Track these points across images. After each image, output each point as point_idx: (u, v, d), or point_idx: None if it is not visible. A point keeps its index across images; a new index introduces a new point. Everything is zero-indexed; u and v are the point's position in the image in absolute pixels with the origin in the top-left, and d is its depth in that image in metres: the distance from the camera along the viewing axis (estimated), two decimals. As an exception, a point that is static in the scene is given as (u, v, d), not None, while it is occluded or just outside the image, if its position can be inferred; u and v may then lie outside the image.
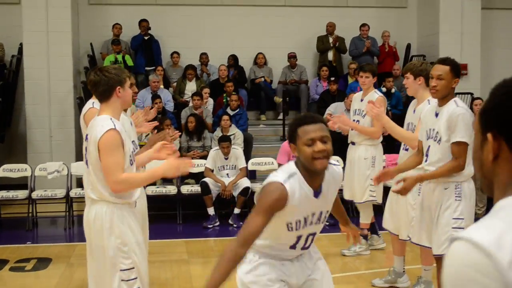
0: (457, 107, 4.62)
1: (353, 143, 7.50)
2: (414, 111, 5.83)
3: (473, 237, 1.32)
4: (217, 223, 9.43)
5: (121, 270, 3.89)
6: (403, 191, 4.78)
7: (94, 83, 3.99)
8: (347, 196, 7.61)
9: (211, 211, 9.43)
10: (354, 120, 7.43)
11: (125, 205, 3.96)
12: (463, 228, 4.62)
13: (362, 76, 7.38)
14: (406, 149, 5.86)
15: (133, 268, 3.92)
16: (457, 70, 4.70)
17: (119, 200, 3.92)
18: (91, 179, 3.93)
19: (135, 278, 3.93)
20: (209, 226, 9.36)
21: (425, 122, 4.86)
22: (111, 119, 3.90)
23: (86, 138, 4.02)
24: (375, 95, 7.24)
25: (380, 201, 7.49)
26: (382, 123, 6.19)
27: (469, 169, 4.66)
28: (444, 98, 4.70)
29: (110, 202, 3.90)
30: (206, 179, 9.48)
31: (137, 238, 3.99)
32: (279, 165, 9.44)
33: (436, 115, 4.71)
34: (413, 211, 5.73)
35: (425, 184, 4.90)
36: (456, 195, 4.68)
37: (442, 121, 4.65)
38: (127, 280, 3.91)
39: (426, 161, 4.82)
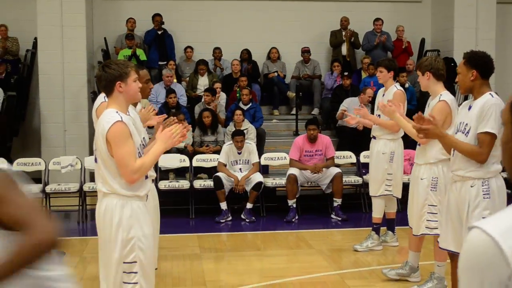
0: (492, 97, 4.56)
1: (374, 137, 7.49)
2: (428, 105, 5.82)
3: (484, 227, 1.44)
4: (230, 218, 9.44)
5: (124, 262, 3.95)
6: (424, 134, 4.65)
7: (98, 78, 4.11)
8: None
9: (223, 205, 9.44)
10: (376, 115, 7.41)
11: (136, 198, 3.99)
12: None
13: (377, 71, 7.45)
14: (419, 144, 5.83)
15: (135, 262, 3.96)
16: (473, 61, 4.62)
17: (130, 193, 3.95)
18: (101, 173, 3.98)
19: (136, 272, 3.98)
20: (222, 221, 9.37)
21: (458, 117, 4.83)
22: (117, 112, 3.94)
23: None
24: (394, 89, 7.24)
25: (398, 195, 7.46)
26: (394, 121, 6.17)
27: (496, 166, 4.59)
28: (474, 91, 4.65)
29: (121, 195, 3.94)
30: (219, 174, 9.49)
31: (145, 231, 4.00)
32: (291, 160, 9.45)
33: (469, 108, 4.66)
34: (425, 207, 5.72)
35: (452, 184, 4.81)
36: (484, 193, 4.57)
37: (474, 112, 4.57)
38: (128, 273, 3.97)
39: (453, 155, 4.77)
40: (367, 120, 7.40)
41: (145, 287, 4.03)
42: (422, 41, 13.80)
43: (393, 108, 5.98)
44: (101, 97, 5.91)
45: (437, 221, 5.54)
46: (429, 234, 5.81)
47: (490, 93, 4.60)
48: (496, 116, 4.48)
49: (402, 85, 11.98)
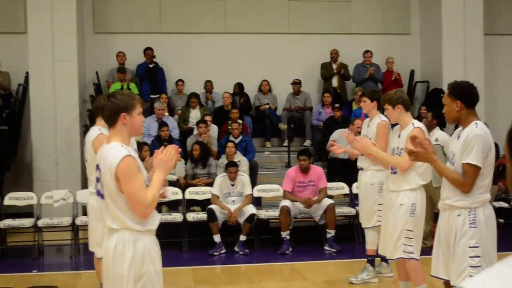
0: (475, 128, 4.64)
1: (361, 169, 7.57)
2: (399, 135, 5.94)
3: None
4: (223, 251, 9.45)
5: None
6: (414, 157, 4.81)
7: (102, 107, 4.02)
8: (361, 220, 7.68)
9: (217, 238, 9.45)
10: None
11: (148, 233, 3.91)
12: (479, 256, 4.60)
13: (361, 101, 7.60)
14: (395, 172, 5.94)
15: None
16: (456, 92, 4.72)
17: (141, 228, 3.86)
18: (111, 209, 3.87)
19: None
20: (215, 253, 9.37)
21: (450, 147, 4.93)
22: (122, 145, 3.86)
23: (98, 168, 3.96)
24: (378, 120, 7.31)
25: None
26: (371, 154, 6.29)
27: (484, 196, 4.67)
28: (461, 121, 4.74)
29: (133, 230, 3.85)
30: (212, 206, 9.52)
31: (157, 268, 3.95)
32: (284, 192, 9.51)
33: (458, 137, 4.77)
34: (403, 232, 5.80)
35: (441, 212, 4.90)
36: (470, 222, 4.65)
37: (460, 142, 4.69)
38: None
39: (442, 183, 4.87)
40: (354, 151, 7.46)
41: None
42: (412, 73, 13.98)
43: (363, 143, 6.08)
44: (96, 129, 5.96)
45: (413, 245, 5.72)
46: (406, 258, 5.87)
47: (475, 122, 4.68)
48: (479, 147, 4.57)
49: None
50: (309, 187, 9.70)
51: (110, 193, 3.84)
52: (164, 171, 3.98)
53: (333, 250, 9.35)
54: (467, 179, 4.59)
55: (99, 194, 3.98)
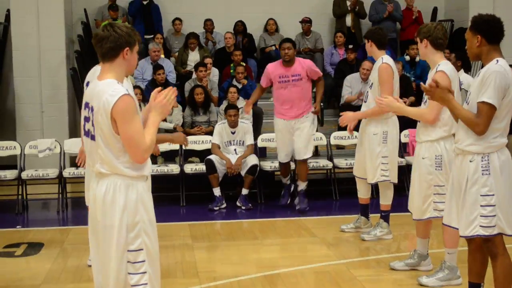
0: (495, 64, 4.57)
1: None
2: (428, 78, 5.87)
3: None
4: (224, 205, 9.46)
5: (128, 250, 3.83)
6: (430, 95, 4.77)
7: (101, 38, 3.84)
8: (358, 173, 7.66)
9: (217, 191, 9.45)
10: (366, 92, 7.53)
11: (141, 179, 3.90)
12: (493, 205, 4.59)
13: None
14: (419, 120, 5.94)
15: (142, 249, 3.86)
16: (477, 25, 4.65)
17: (135, 174, 3.85)
18: (101, 152, 3.83)
19: (143, 260, 3.87)
20: (215, 208, 9.38)
21: (471, 87, 4.86)
22: (118, 83, 3.81)
23: (87, 107, 3.89)
24: (379, 62, 7.28)
25: (395, 180, 7.48)
26: (394, 111, 6.25)
27: (500, 139, 4.62)
28: (482, 58, 4.67)
29: (125, 175, 3.83)
30: (211, 157, 9.48)
31: (150, 215, 3.94)
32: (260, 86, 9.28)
33: (478, 75, 4.70)
34: (431, 188, 5.77)
35: (455, 157, 4.89)
36: (483, 169, 4.61)
37: (477, 79, 4.62)
38: (134, 262, 3.85)
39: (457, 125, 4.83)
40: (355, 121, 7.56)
41: (153, 277, 3.92)
42: (434, 10, 13.79)
43: (386, 102, 5.93)
44: (98, 69, 5.90)
45: (444, 202, 5.58)
46: (437, 217, 5.84)
47: (496, 59, 4.61)
48: (496, 85, 4.49)
49: (413, 58, 12.02)
50: (293, 82, 8.80)
51: (104, 134, 3.79)
52: (161, 114, 3.97)
53: (300, 207, 9.13)
54: (481, 119, 4.52)
55: (88, 135, 3.90)
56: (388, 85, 7.11)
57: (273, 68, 8.92)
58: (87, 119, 3.91)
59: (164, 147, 9.85)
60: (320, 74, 9.04)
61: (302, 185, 9.04)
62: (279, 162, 9.31)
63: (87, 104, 3.90)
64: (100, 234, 3.89)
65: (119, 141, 3.78)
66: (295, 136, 8.86)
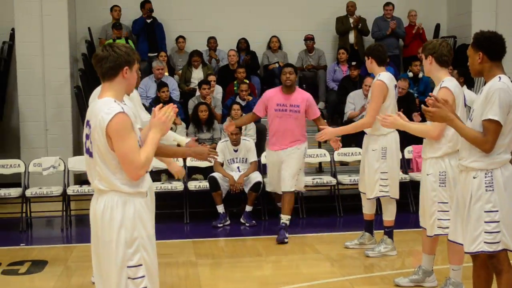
0: (498, 81, 4.59)
1: (365, 132, 7.58)
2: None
3: None
4: (228, 222, 9.45)
5: (128, 266, 3.87)
6: (430, 116, 4.75)
7: (101, 58, 3.92)
8: (362, 189, 7.67)
9: (220, 208, 9.44)
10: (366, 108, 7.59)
11: (138, 195, 3.95)
12: (497, 222, 4.58)
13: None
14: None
15: (141, 265, 3.90)
16: (479, 42, 4.67)
17: (132, 190, 3.90)
18: (98, 169, 3.89)
19: (143, 276, 3.91)
20: (219, 225, 9.37)
21: (473, 104, 4.88)
22: (115, 101, 3.87)
23: (87, 125, 3.95)
24: (376, 79, 7.33)
25: (396, 196, 7.47)
26: (399, 128, 6.22)
27: (503, 156, 4.62)
28: (484, 75, 4.69)
29: (122, 192, 3.88)
30: (215, 174, 9.48)
31: (148, 231, 3.98)
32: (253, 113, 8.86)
33: (481, 93, 4.71)
34: (435, 205, 5.76)
35: (459, 174, 4.91)
36: (487, 185, 4.62)
37: (481, 97, 4.64)
38: (134, 278, 3.89)
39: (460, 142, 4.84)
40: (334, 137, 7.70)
41: None
42: (437, 27, 13.83)
43: (391, 120, 5.93)
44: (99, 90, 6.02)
45: (449, 219, 5.56)
46: (441, 234, 5.83)
47: (499, 76, 4.62)
48: (501, 102, 4.50)
49: (416, 75, 12.05)
50: (291, 112, 8.40)
51: (100, 151, 3.85)
52: (161, 131, 4.03)
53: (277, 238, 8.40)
54: (488, 136, 4.53)
55: (88, 152, 3.96)
56: (375, 103, 7.19)
57: (272, 94, 8.56)
58: (87, 137, 3.97)
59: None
60: (318, 114, 8.56)
61: (283, 218, 8.39)
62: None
63: (87, 122, 3.97)
64: (101, 250, 3.94)
65: (115, 158, 3.85)
66: (283, 166, 8.39)
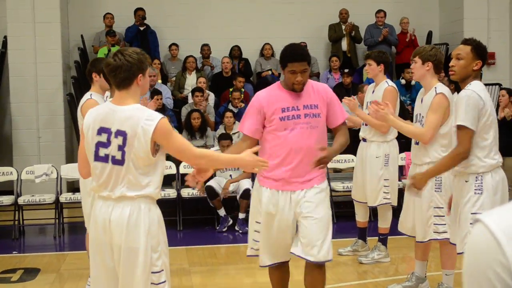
0: (467, 88, 4.69)
1: (364, 140, 7.47)
2: (422, 100, 5.83)
3: (488, 222, 1.36)
4: (230, 222, 9.56)
5: (152, 272, 3.87)
6: (413, 189, 5.00)
7: (114, 68, 3.84)
8: (357, 197, 7.62)
9: (221, 212, 9.58)
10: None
11: (156, 203, 3.97)
12: None
13: (366, 64, 7.51)
14: (417, 143, 5.86)
15: (163, 270, 3.91)
16: (480, 51, 4.75)
17: (158, 196, 3.93)
18: (131, 176, 3.82)
19: (164, 281, 3.91)
20: (223, 229, 9.50)
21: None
22: (144, 108, 3.94)
23: (104, 132, 3.85)
24: (385, 85, 7.22)
25: (395, 203, 7.47)
26: (389, 124, 6.18)
27: (489, 160, 4.69)
28: (464, 81, 4.74)
29: (150, 198, 3.87)
30: (211, 183, 9.49)
31: (166, 237, 4.01)
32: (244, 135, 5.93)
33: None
34: (430, 210, 5.77)
35: (453, 179, 5.03)
36: (476, 188, 4.72)
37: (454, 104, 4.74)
38: (157, 284, 3.89)
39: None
40: (354, 118, 7.39)
41: None
42: (429, 34, 13.88)
43: (384, 111, 5.80)
44: (88, 94, 6.06)
45: (445, 224, 5.57)
46: (437, 239, 5.83)
47: (471, 83, 4.77)
48: (467, 106, 4.64)
49: (408, 82, 12.08)
50: (308, 118, 4.80)
51: (137, 158, 3.81)
52: (245, 166, 4.58)
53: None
54: (463, 144, 4.72)
55: (106, 160, 3.87)
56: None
57: (269, 94, 4.92)
58: (103, 145, 3.88)
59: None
60: (346, 115, 5.10)
61: None
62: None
63: (104, 129, 3.88)
64: (122, 257, 3.85)
65: (151, 163, 3.83)
66: (302, 223, 4.91)
